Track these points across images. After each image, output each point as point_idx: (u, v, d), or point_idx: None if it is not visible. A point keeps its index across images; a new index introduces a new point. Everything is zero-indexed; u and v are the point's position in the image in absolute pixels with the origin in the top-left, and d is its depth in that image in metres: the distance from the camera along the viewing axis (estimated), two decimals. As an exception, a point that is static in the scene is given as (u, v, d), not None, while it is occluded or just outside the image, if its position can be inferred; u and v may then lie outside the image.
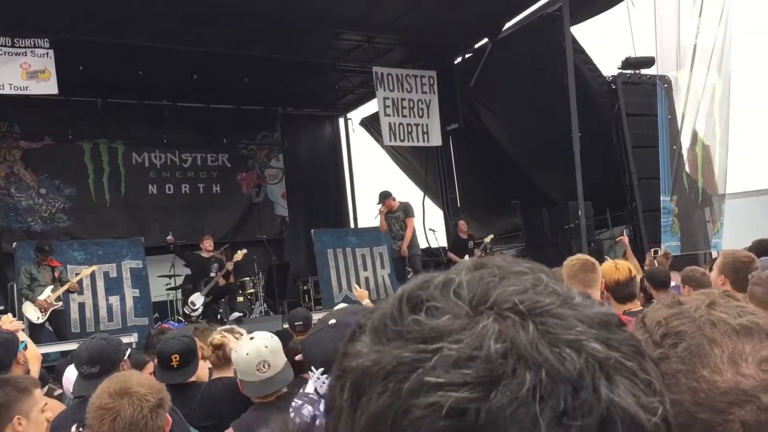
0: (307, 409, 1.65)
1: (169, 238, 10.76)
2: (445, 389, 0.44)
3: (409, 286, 0.52)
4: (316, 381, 1.67)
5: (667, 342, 0.92)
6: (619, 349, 0.48)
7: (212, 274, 10.57)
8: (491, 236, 12.15)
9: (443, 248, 12.79)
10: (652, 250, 8.98)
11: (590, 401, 0.44)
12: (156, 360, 3.68)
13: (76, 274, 9.65)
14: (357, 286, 8.12)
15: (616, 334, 0.49)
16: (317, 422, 1.59)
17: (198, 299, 10.45)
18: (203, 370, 3.79)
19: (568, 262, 3.83)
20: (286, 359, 3.06)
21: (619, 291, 3.95)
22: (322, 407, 1.67)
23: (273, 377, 2.92)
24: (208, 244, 10.94)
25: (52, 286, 9.07)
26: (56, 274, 9.28)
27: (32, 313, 8.77)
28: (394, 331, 0.49)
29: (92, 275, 10.09)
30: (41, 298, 8.88)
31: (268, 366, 2.91)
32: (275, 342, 3.10)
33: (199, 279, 10.73)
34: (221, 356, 3.96)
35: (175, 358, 3.50)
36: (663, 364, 0.90)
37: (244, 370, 2.92)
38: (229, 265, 10.80)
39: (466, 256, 11.77)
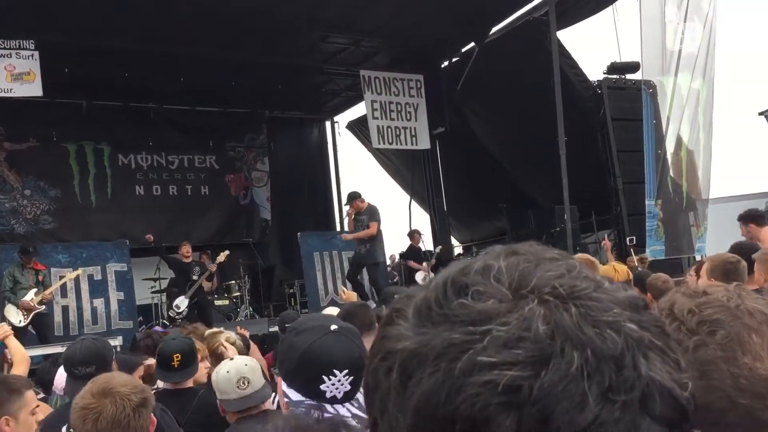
0: (314, 413, 1.65)
1: (148, 236, 10.75)
2: (499, 368, 0.47)
3: (451, 271, 0.55)
4: (334, 384, 1.67)
5: (704, 329, 0.95)
6: (649, 329, 0.51)
7: (194, 277, 10.64)
8: (440, 247, 12.67)
9: (429, 252, 12.85)
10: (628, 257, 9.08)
11: (632, 377, 0.48)
12: (156, 360, 3.71)
13: (60, 278, 9.56)
14: (345, 289, 8.09)
15: (645, 316, 0.53)
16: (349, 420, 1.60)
17: (182, 302, 10.55)
18: (201, 372, 3.81)
19: None
20: (264, 379, 3.08)
21: None
22: (334, 410, 1.67)
23: (251, 394, 2.93)
24: (185, 249, 10.97)
25: (35, 289, 8.99)
26: (40, 278, 9.20)
27: (14, 316, 8.68)
28: (440, 314, 0.52)
29: (76, 278, 10.01)
30: (25, 299, 8.80)
31: (248, 383, 2.92)
32: (255, 362, 3.16)
33: (183, 283, 10.79)
34: (218, 360, 4.00)
35: (177, 357, 3.54)
36: (701, 350, 0.93)
37: (223, 388, 2.93)
38: (212, 267, 10.86)
39: (424, 263, 12.10)
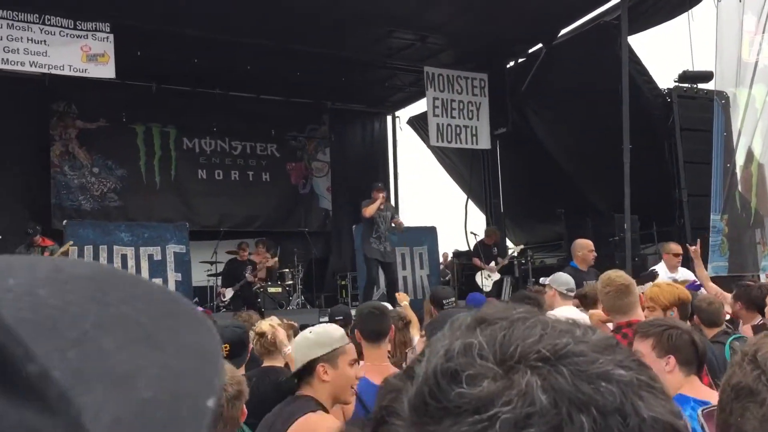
0: None
1: (249, 276, 11.33)
2: None
3: (434, 359, 0.53)
4: None
5: None
6: (630, 367, 0.52)
7: (246, 274, 11.24)
8: (521, 246, 12.02)
9: (471, 251, 12.72)
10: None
11: (638, 424, 0.48)
12: None
13: (62, 253, 9.48)
14: (399, 294, 8.03)
15: (622, 354, 0.53)
16: None
17: (228, 293, 11.18)
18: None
19: (602, 287, 3.76)
20: None
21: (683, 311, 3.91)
22: None
23: None
24: (243, 253, 11.67)
25: None
26: (46, 254, 9.40)
27: None
28: (439, 408, 0.50)
29: (137, 256, 10.30)
30: None
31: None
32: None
33: (233, 277, 11.39)
34: (264, 344, 4.04)
35: (226, 347, 3.55)
36: None
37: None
38: (260, 267, 11.59)
39: (492, 263, 11.71)
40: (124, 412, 0.34)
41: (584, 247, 7.39)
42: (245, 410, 2.35)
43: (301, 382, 2.94)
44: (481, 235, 12.65)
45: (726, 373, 0.99)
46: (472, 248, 12.67)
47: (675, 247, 7.77)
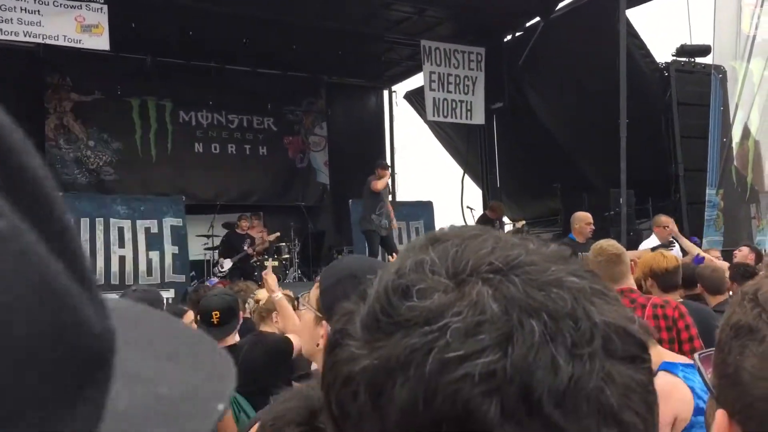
0: None
1: (248, 249, 11.39)
2: (469, 359, 0.47)
3: (386, 277, 0.53)
4: None
5: None
6: (583, 276, 0.53)
7: (245, 247, 11.31)
8: (522, 222, 12.02)
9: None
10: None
11: (589, 327, 0.49)
12: (197, 314, 3.77)
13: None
14: (391, 258, 8.12)
15: (575, 264, 0.54)
16: None
17: (227, 263, 11.18)
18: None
19: (593, 257, 3.78)
20: None
21: (666, 279, 3.98)
22: None
23: None
24: (244, 224, 11.72)
25: None
26: None
27: None
28: (390, 323, 0.50)
29: (134, 229, 10.30)
30: None
31: None
32: None
33: (231, 249, 11.41)
34: (261, 311, 4.07)
35: (216, 314, 3.57)
36: None
37: None
38: (260, 241, 11.65)
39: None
40: (140, 401, 0.36)
41: (582, 220, 7.48)
42: None
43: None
44: (478, 210, 12.67)
45: (725, 313, 1.00)
46: (475, 222, 12.66)
47: (665, 220, 7.84)
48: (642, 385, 0.51)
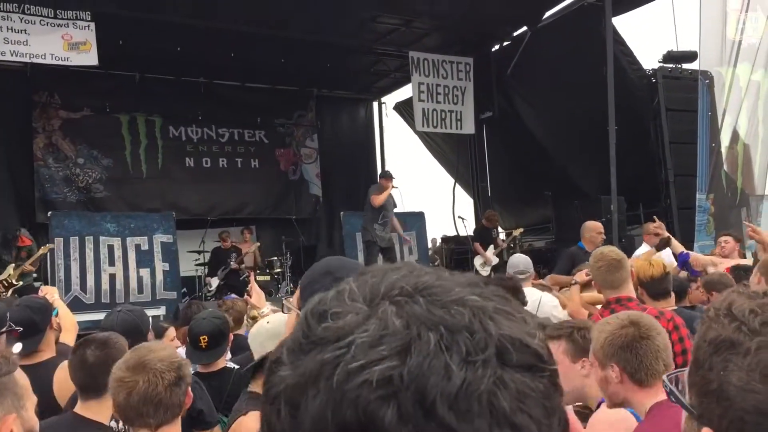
0: None
1: (233, 263, 11.55)
2: (369, 367, 0.52)
3: (308, 306, 0.59)
4: None
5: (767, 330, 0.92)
6: (491, 298, 0.58)
7: (231, 262, 11.43)
8: (521, 230, 11.99)
9: (471, 236, 12.70)
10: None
11: (484, 338, 0.54)
12: (187, 335, 3.71)
13: (40, 255, 9.38)
14: None
15: (486, 290, 0.59)
16: None
17: (214, 282, 11.33)
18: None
19: (594, 262, 3.72)
20: None
21: (654, 287, 3.89)
22: None
23: None
24: (226, 243, 11.86)
25: (13, 265, 9.08)
26: (23, 254, 9.33)
27: None
28: (308, 343, 0.56)
29: (124, 247, 10.24)
30: (1, 277, 8.86)
31: None
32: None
33: (218, 266, 11.54)
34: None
35: (204, 339, 3.51)
36: (764, 352, 0.90)
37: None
38: (244, 252, 11.73)
39: (491, 247, 11.64)
40: None
41: (593, 229, 7.58)
42: (191, 394, 2.32)
43: (254, 377, 2.79)
44: (470, 219, 12.64)
45: (698, 331, 0.99)
46: (472, 232, 12.61)
47: (653, 227, 7.89)
48: (538, 391, 0.55)
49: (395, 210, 10.97)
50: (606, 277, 3.62)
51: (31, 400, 1.90)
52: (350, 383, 0.51)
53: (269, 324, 2.82)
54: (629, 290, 3.65)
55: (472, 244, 12.02)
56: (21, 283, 8.99)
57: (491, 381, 0.52)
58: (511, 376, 0.53)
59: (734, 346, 0.92)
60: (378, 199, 9.94)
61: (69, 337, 3.97)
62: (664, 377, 1.08)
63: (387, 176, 10.26)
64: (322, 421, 0.52)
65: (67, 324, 4.07)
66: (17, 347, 3.37)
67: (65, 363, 2.92)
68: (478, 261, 11.58)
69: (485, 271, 11.52)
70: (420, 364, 0.52)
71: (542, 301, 4.86)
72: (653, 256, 5.72)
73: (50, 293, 4.52)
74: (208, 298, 11.07)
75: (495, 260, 11.57)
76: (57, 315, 3.80)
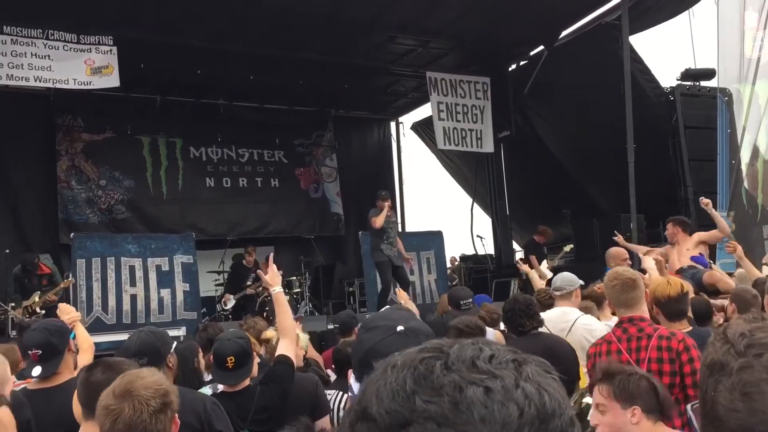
0: None
1: (249, 290, 11.42)
2: None
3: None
4: None
5: (751, 352, 0.95)
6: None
7: (248, 282, 11.36)
8: (570, 246, 11.79)
9: (490, 256, 12.65)
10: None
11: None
12: (211, 358, 3.74)
13: (61, 288, 9.48)
14: (398, 291, 7.95)
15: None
16: None
17: (230, 301, 11.29)
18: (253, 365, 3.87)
19: (608, 281, 3.72)
20: None
21: (670, 307, 3.85)
22: None
23: None
24: (250, 258, 11.73)
25: (38, 293, 9.20)
26: (44, 282, 9.43)
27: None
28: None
29: (145, 267, 10.33)
30: (26, 303, 8.97)
31: None
32: None
33: (238, 284, 11.46)
34: (269, 350, 4.07)
35: (231, 360, 3.54)
36: (745, 372, 0.93)
37: None
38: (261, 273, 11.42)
39: (545, 262, 11.41)
40: None
41: (617, 257, 7.52)
42: (177, 421, 2.33)
43: None
44: (488, 238, 12.58)
45: (702, 355, 1.04)
46: (523, 246, 12.40)
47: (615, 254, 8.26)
48: None
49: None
50: (620, 296, 3.62)
51: None
52: None
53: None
54: (643, 309, 3.65)
55: (527, 257, 11.85)
56: (44, 311, 9.04)
57: None
58: None
59: (723, 368, 0.96)
60: (377, 221, 9.92)
61: (85, 358, 4.00)
62: (688, 407, 1.12)
63: (382, 197, 10.20)
64: None
65: (84, 345, 4.12)
66: (36, 370, 3.45)
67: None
68: (534, 275, 11.22)
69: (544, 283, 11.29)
70: None
71: (576, 324, 4.76)
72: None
73: (68, 313, 4.60)
74: (224, 316, 11.15)
75: (550, 274, 11.41)
76: (74, 337, 3.85)
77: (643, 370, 2.84)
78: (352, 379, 1.80)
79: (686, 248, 7.59)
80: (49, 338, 3.51)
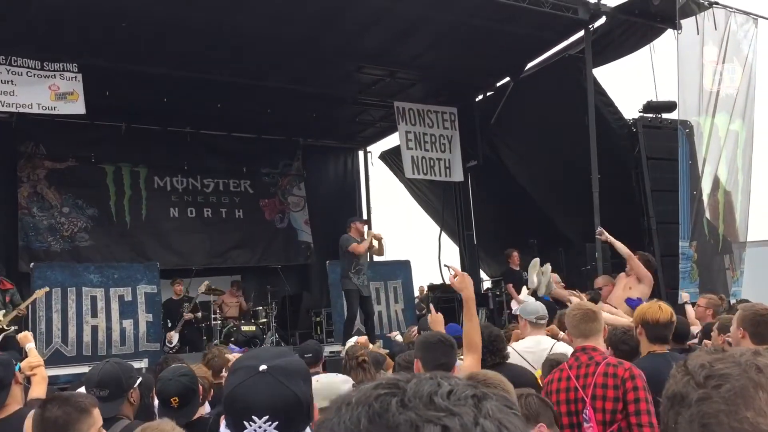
0: None
1: (186, 315, 11.29)
2: None
3: None
4: (257, 430, 1.65)
5: (711, 383, 0.95)
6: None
7: (183, 312, 11.24)
8: (548, 264, 11.77)
9: (503, 279, 12.51)
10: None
11: None
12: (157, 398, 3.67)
13: (35, 299, 9.24)
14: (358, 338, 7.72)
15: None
16: None
17: (174, 337, 11.06)
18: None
19: (570, 311, 3.87)
20: None
21: (656, 331, 4.07)
22: None
23: None
24: (178, 288, 11.63)
25: (3, 311, 8.93)
26: (7, 298, 9.16)
27: None
28: None
29: (107, 298, 10.13)
30: None
31: None
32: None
33: (174, 319, 11.25)
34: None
35: (175, 400, 3.49)
36: (704, 403, 0.93)
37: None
38: (230, 305, 11.78)
39: (524, 288, 11.34)
40: None
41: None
42: None
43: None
44: (456, 266, 12.50)
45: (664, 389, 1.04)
46: (503, 276, 12.40)
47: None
48: None
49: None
50: (579, 326, 3.73)
51: None
52: None
53: (317, 383, 2.80)
54: (599, 341, 3.78)
55: (505, 286, 11.81)
56: (13, 328, 8.66)
57: None
58: None
59: (683, 399, 0.96)
60: (361, 247, 9.85)
61: (38, 390, 3.93)
62: None
63: (355, 221, 10.17)
64: None
65: (37, 377, 4.02)
66: None
67: (32, 412, 2.89)
68: (514, 305, 11.10)
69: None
70: None
71: (554, 350, 4.76)
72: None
73: (25, 341, 4.50)
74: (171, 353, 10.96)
75: (531, 300, 11.32)
76: (20, 370, 3.76)
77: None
78: (222, 425, 1.75)
79: (629, 286, 8.05)
80: None
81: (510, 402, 0.69)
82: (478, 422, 0.63)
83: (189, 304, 11.29)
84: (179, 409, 3.49)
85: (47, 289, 9.42)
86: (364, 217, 16.28)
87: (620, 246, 8.50)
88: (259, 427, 1.63)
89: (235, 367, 1.76)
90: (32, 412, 2.90)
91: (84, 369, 7.40)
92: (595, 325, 3.72)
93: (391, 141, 15.56)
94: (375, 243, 9.98)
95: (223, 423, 1.74)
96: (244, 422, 1.64)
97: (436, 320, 4.47)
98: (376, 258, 14.39)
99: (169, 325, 11.15)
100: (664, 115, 11.73)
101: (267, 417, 1.63)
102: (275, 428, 1.64)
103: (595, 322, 3.73)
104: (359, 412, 0.65)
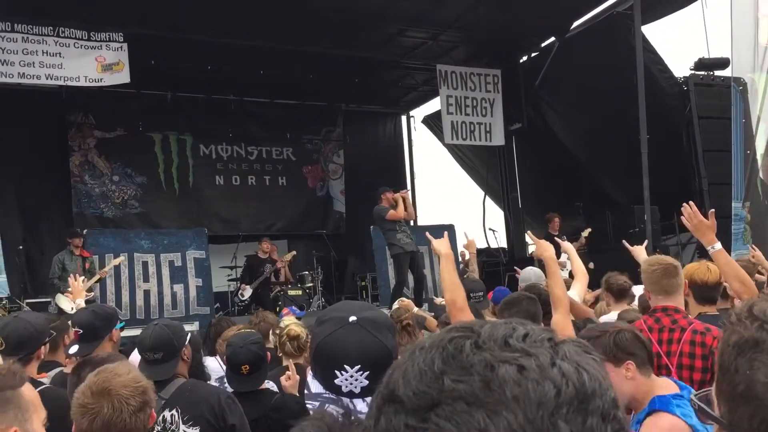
0: (333, 408, 1.64)
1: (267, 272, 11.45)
2: None
3: None
4: (347, 379, 1.65)
5: None
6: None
7: (265, 271, 11.42)
8: (588, 230, 11.57)
9: (503, 249, 12.58)
10: None
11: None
12: (226, 364, 3.71)
13: (110, 266, 9.56)
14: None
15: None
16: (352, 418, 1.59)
17: (247, 292, 11.33)
18: None
19: (648, 266, 3.45)
20: None
21: (704, 292, 3.78)
22: (351, 404, 1.66)
23: None
24: (265, 246, 11.76)
25: (83, 277, 9.13)
26: (87, 265, 9.40)
27: (66, 303, 8.60)
28: None
29: (158, 263, 10.37)
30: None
31: None
32: None
33: (253, 275, 11.48)
34: (296, 347, 4.03)
35: (245, 368, 3.51)
36: None
37: None
38: (279, 264, 11.60)
39: (563, 255, 11.20)
40: None
41: None
42: (154, 415, 2.31)
43: None
44: (500, 231, 12.46)
45: (722, 337, 1.01)
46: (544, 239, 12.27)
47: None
48: None
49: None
50: (660, 282, 3.37)
51: (38, 414, 1.90)
52: None
53: None
54: (679, 300, 3.45)
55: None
56: (92, 294, 8.81)
57: None
58: None
59: (758, 345, 0.94)
60: (398, 213, 9.66)
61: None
62: (692, 396, 1.10)
63: (385, 191, 9.91)
64: None
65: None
66: (73, 349, 3.50)
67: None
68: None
69: (565, 273, 11.16)
70: None
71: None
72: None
73: (77, 291, 4.61)
74: (240, 306, 11.28)
75: (569, 264, 11.21)
76: (121, 329, 3.86)
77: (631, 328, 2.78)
78: (309, 376, 1.74)
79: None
80: (93, 321, 3.56)
81: (588, 347, 0.68)
82: (555, 362, 0.62)
83: (272, 266, 11.52)
84: (248, 375, 3.52)
85: (123, 258, 9.75)
86: (408, 181, 16.27)
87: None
88: (351, 376, 1.63)
89: (322, 319, 1.76)
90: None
91: (138, 332, 7.59)
92: (678, 280, 3.38)
93: (435, 105, 15.43)
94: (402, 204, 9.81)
95: (309, 374, 1.74)
96: (335, 371, 1.64)
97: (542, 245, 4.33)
98: (420, 222, 14.39)
99: (246, 279, 11.51)
100: (717, 73, 11.37)
101: (359, 366, 1.63)
102: (366, 378, 1.64)
103: (677, 277, 3.38)
104: (433, 354, 0.65)
